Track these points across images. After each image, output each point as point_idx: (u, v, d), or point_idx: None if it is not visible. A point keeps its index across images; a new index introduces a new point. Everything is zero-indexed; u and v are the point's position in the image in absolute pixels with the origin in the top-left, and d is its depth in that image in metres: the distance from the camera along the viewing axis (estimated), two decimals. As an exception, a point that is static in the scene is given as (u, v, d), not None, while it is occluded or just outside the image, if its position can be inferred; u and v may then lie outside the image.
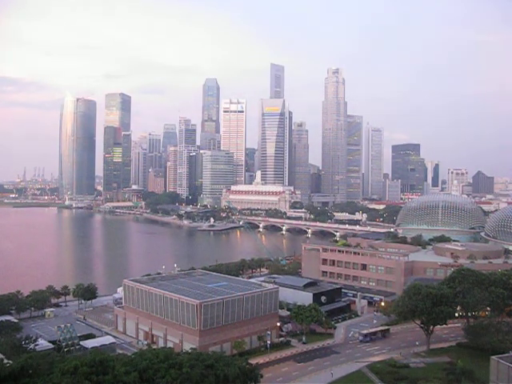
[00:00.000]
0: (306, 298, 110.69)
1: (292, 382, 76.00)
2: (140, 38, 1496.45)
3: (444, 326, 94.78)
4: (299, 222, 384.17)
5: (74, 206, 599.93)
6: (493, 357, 58.04)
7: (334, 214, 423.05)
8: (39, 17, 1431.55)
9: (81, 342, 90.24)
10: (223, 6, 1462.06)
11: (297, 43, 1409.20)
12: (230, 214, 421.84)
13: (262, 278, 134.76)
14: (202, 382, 53.92)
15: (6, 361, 59.48)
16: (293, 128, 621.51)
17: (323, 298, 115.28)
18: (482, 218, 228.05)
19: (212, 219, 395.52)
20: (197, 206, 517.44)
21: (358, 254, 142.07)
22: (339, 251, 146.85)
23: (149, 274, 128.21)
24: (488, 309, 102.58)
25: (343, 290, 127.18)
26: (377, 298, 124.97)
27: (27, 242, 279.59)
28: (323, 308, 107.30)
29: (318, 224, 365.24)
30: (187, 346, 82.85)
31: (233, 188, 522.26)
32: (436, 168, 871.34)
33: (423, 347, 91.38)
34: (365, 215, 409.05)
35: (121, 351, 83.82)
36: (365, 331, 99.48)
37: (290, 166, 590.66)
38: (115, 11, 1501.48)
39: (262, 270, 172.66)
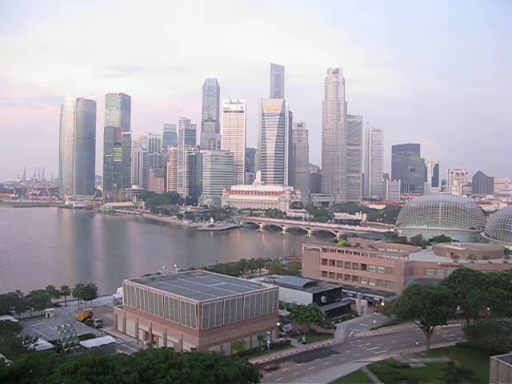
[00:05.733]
0: (305, 297, 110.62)
1: (292, 382, 75.97)
2: (140, 37, 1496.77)
3: (444, 326, 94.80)
4: (299, 222, 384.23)
5: (73, 205, 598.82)
6: (493, 357, 58.06)
7: (334, 213, 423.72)
8: (39, 17, 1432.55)
9: (81, 342, 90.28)
10: (221, 5, 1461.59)
11: (297, 43, 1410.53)
12: (230, 214, 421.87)
13: (262, 278, 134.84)
14: (201, 382, 53.80)
15: (6, 361, 59.45)
16: (293, 128, 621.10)
17: (323, 298, 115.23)
18: (482, 218, 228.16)
19: (212, 219, 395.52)
20: (197, 206, 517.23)
21: (358, 253, 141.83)
22: (339, 251, 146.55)
23: (149, 274, 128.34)
24: (488, 309, 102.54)
25: (343, 290, 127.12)
26: (377, 298, 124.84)
27: (27, 241, 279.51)
28: (323, 308, 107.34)
29: (317, 224, 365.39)
30: (187, 346, 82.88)
31: (233, 188, 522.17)
32: (436, 168, 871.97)
33: (423, 347, 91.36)
34: (365, 215, 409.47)
35: (121, 351, 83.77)
36: None
37: (290, 166, 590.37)
38: (115, 11, 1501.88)
39: (262, 270, 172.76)
